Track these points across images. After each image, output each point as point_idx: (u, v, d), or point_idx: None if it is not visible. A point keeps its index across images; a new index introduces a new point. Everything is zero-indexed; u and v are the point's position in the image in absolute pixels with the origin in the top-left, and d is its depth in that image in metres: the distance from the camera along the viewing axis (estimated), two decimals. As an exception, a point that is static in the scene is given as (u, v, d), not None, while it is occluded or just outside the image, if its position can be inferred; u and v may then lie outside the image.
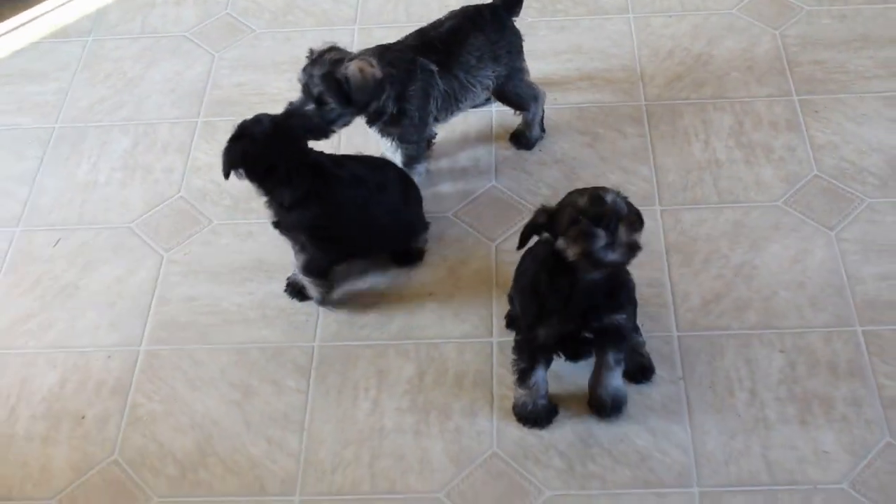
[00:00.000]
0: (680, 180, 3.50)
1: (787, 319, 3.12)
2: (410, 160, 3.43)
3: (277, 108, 3.72)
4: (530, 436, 2.91)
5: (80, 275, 3.39)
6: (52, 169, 3.71)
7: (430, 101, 3.32)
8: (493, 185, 3.54)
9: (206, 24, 4.21)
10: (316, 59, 3.17)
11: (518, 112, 3.61)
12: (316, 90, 3.13)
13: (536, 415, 2.93)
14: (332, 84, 3.11)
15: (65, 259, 3.44)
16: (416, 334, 3.16)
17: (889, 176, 3.46)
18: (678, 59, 3.89)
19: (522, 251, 2.78)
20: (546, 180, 3.53)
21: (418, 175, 3.45)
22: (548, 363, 2.89)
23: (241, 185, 3.51)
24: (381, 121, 3.28)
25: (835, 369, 2.99)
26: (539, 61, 3.80)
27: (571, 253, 2.53)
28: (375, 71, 3.14)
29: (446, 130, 3.67)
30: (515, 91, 3.52)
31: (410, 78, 3.26)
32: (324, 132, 3.19)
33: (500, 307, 3.17)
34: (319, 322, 3.21)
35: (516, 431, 2.92)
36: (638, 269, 3.01)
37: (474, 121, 3.72)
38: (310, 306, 3.24)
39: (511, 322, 3.12)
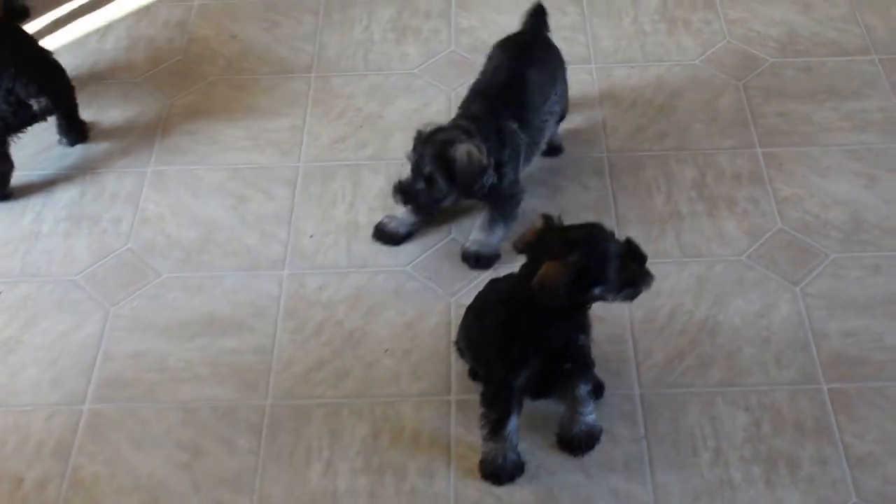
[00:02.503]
0: (642, 234, 3.50)
1: (751, 376, 3.12)
2: (500, 218, 3.45)
3: (232, 158, 3.74)
4: (489, 497, 2.88)
5: (22, 329, 3.34)
6: (-6, 219, 3.68)
7: (519, 159, 3.40)
8: (452, 237, 3.53)
9: (159, 69, 4.19)
10: (426, 138, 3.24)
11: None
12: (426, 169, 3.22)
13: (505, 470, 2.90)
14: (443, 164, 3.20)
15: (6, 312, 3.38)
16: (372, 392, 3.13)
17: (853, 230, 3.49)
18: (640, 110, 3.91)
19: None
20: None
21: (500, 235, 3.45)
22: (520, 410, 2.86)
23: (192, 237, 3.52)
24: (479, 193, 3.34)
25: (801, 428, 2.99)
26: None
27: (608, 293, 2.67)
28: (483, 158, 3.21)
29: (404, 181, 3.68)
30: (563, 102, 3.65)
31: (502, 145, 3.33)
32: (429, 211, 3.38)
33: (460, 363, 3.15)
34: (272, 379, 3.17)
35: (475, 493, 2.89)
36: (600, 325, 3.04)
37: (432, 172, 3.72)
38: (262, 364, 3.20)
39: (476, 374, 3.09)
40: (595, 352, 2.91)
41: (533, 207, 3.57)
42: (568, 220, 3.48)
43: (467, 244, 3.49)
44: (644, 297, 3.27)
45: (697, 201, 3.59)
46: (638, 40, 4.19)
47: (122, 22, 4.41)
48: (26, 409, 3.13)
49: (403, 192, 3.29)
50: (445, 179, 3.23)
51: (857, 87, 3.97)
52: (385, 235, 3.53)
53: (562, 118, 3.71)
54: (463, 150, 3.19)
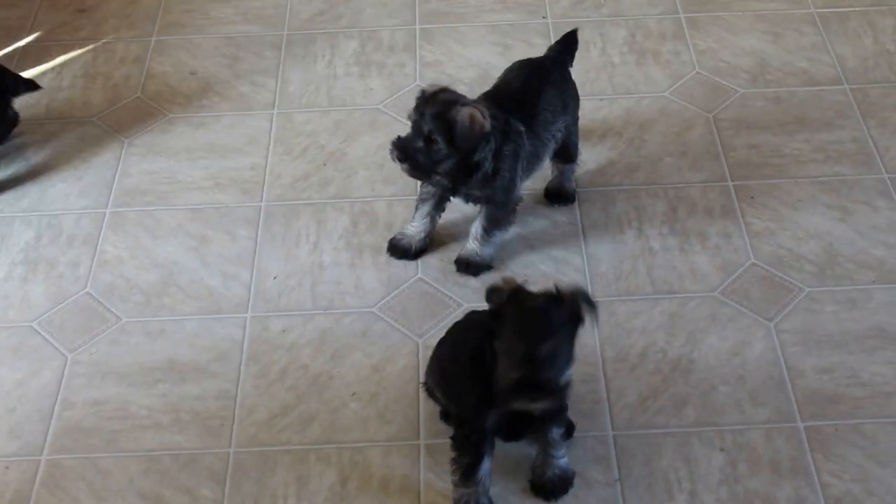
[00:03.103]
0: (612, 270, 3.53)
1: (726, 416, 3.14)
2: (494, 224, 3.48)
3: (192, 198, 3.74)
4: (460, 544, 2.89)
5: (-22, 378, 3.33)
6: (-52, 264, 3.66)
7: (518, 162, 3.40)
8: (420, 277, 3.54)
9: (116, 107, 4.20)
10: (429, 98, 3.25)
11: (558, 167, 3.72)
12: (426, 128, 3.21)
13: None
14: (444, 124, 3.19)
15: (-39, 361, 3.38)
16: (339, 438, 3.13)
17: (826, 263, 3.52)
18: (610, 144, 3.94)
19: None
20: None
21: (494, 245, 3.52)
22: (493, 452, 2.86)
23: (152, 280, 3.51)
24: (474, 179, 3.33)
25: (777, 467, 3.01)
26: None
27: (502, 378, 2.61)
28: (486, 122, 3.21)
29: (370, 220, 3.69)
30: (573, 140, 3.65)
31: (505, 137, 3.34)
32: (427, 173, 3.31)
33: (429, 406, 3.15)
34: (235, 426, 3.17)
35: (445, 540, 2.90)
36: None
37: (399, 210, 3.73)
38: (225, 410, 3.20)
39: (447, 416, 3.09)
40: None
41: (502, 245, 3.59)
42: (538, 257, 3.56)
43: (461, 251, 3.55)
44: (616, 334, 3.33)
45: (669, 236, 3.62)
46: (606, 72, 4.22)
47: (79, 59, 4.41)
48: (-18, 461, 3.12)
49: (402, 148, 3.27)
50: (445, 140, 3.22)
51: (829, 118, 4.01)
52: (399, 250, 3.59)
53: (574, 158, 3.70)
54: (466, 112, 3.19)
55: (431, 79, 4.19)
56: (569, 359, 2.63)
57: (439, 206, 3.56)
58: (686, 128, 3.99)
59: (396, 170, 3.78)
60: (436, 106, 3.23)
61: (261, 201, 3.80)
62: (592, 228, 3.66)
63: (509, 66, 3.64)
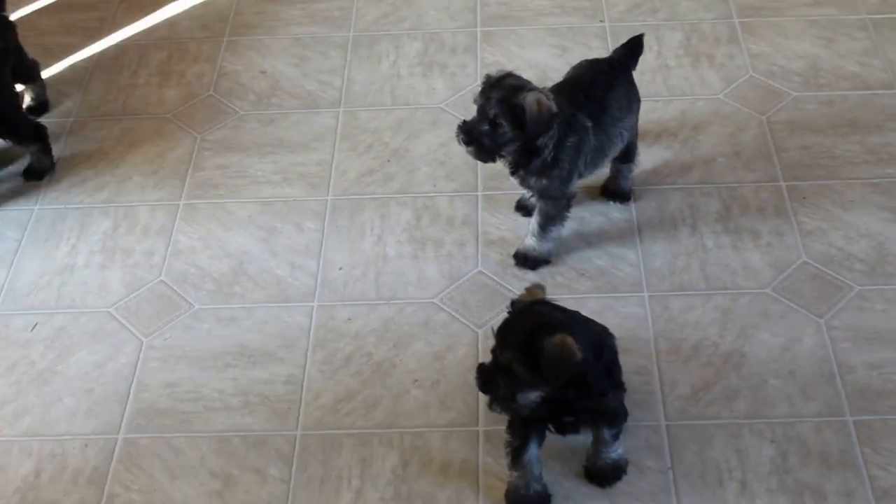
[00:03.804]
0: (667, 266, 3.53)
1: (777, 408, 3.13)
2: (548, 220, 3.49)
3: (262, 191, 3.79)
4: (517, 527, 2.91)
5: (58, 360, 3.38)
6: (30, 251, 3.72)
7: (580, 156, 3.39)
8: (480, 270, 3.56)
9: (189, 104, 4.25)
10: (495, 83, 3.25)
11: (616, 165, 3.71)
12: (492, 112, 3.21)
13: (528, 500, 2.91)
14: (509, 109, 3.18)
15: (41, 344, 3.43)
16: (401, 423, 3.16)
17: (877, 262, 3.50)
18: (665, 144, 3.93)
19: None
20: (532, 265, 3.57)
21: (551, 241, 3.53)
22: (540, 440, 2.88)
23: (223, 269, 3.56)
24: (533, 165, 3.33)
25: (826, 460, 3.00)
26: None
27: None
28: (552, 105, 3.21)
29: (432, 215, 3.71)
30: (634, 141, 3.65)
31: (570, 129, 3.33)
32: (491, 155, 3.29)
33: (487, 394, 3.17)
34: (302, 410, 3.20)
35: (503, 523, 2.92)
36: (626, 356, 3.04)
37: (460, 205, 3.75)
38: (292, 394, 3.24)
39: None
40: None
41: (559, 239, 3.59)
42: (594, 252, 3.56)
43: (520, 246, 3.57)
44: (670, 328, 3.34)
45: (722, 234, 3.61)
46: (662, 74, 4.22)
47: (154, 58, 4.46)
48: (62, 439, 3.17)
49: (468, 132, 3.26)
50: (511, 124, 3.20)
51: (880, 121, 3.98)
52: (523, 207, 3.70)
53: (632, 158, 3.70)
54: (532, 97, 3.18)
55: (492, 79, 4.21)
56: (526, 383, 2.63)
57: None
58: (739, 129, 3.98)
59: (458, 166, 3.86)
60: (502, 90, 3.22)
61: (327, 195, 3.84)
62: (647, 226, 3.66)
63: (577, 64, 3.63)
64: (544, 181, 3.39)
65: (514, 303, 2.76)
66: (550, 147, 3.30)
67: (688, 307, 3.41)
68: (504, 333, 2.68)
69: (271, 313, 3.47)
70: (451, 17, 4.56)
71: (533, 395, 2.66)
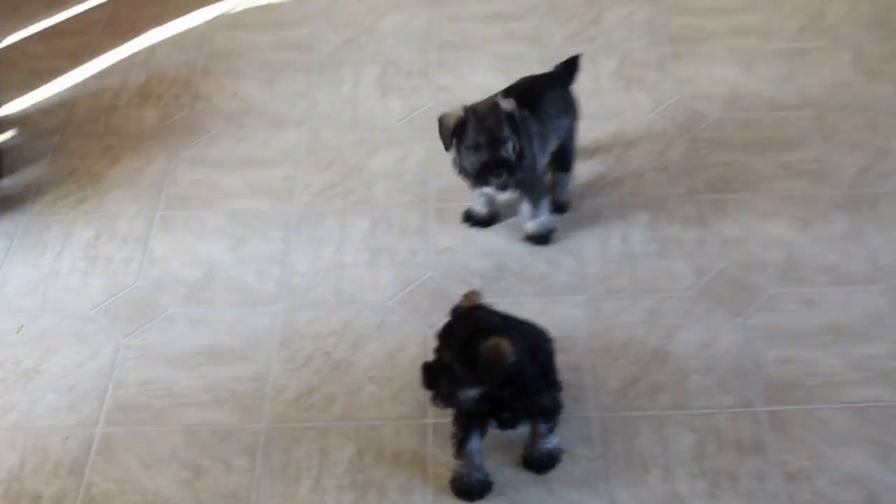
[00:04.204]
0: (600, 271, 3.55)
1: (697, 401, 3.16)
2: (537, 198, 3.57)
3: (232, 203, 3.77)
4: (462, 513, 2.92)
5: (42, 359, 3.36)
6: (18, 259, 3.70)
7: (533, 141, 3.45)
8: (430, 276, 3.57)
9: (167, 124, 4.23)
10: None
11: (555, 177, 3.75)
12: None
13: (471, 487, 2.92)
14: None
15: (27, 344, 3.41)
16: (357, 416, 3.16)
17: (789, 267, 3.53)
18: (600, 159, 3.95)
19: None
20: (478, 271, 3.57)
21: (545, 211, 3.60)
22: (482, 432, 2.89)
23: (195, 276, 3.55)
24: (510, 172, 3.37)
25: (741, 446, 3.03)
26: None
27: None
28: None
29: (387, 225, 3.72)
30: (571, 147, 3.69)
31: (521, 123, 3.38)
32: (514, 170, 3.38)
33: (435, 390, 3.18)
34: (267, 405, 3.20)
35: (449, 508, 2.93)
36: (562, 354, 3.06)
37: (412, 216, 3.76)
38: (258, 390, 3.24)
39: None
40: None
41: (503, 248, 3.61)
42: (534, 259, 3.58)
43: (527, 230, 3.64)
44: (602, 328, 3.36)
45: (651, 242, 3.63)
46: (597, 97, 4.22)
47: (135, 80, 4.45)
48: (45, 432, 3.16)
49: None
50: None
51: (793, 140, 4.02)
52: (471, 220, 3.72)
53: (569, 167, 3.73)
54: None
55: (444, 101, 4.21)
56: (465, 382, 2.66)
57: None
58: (667, 146, 4.01)
59: (411, 181, 3.88)
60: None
61: (291, 207, 3.83)
62: (583, 234, 3.68)
63: (519, 79, 3.68)
64: (519, 175, 3.42)
65: (455, 308, 2.77)
66: (515, 146, 3.34)
67: (619, 309, 3.43)
68: (445, 336, 2.70)
69: (239, 316, 3.47)
70: (408, 44, 4.57)
71: (471, 393, 2.68)
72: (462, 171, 3.43)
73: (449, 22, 4.66)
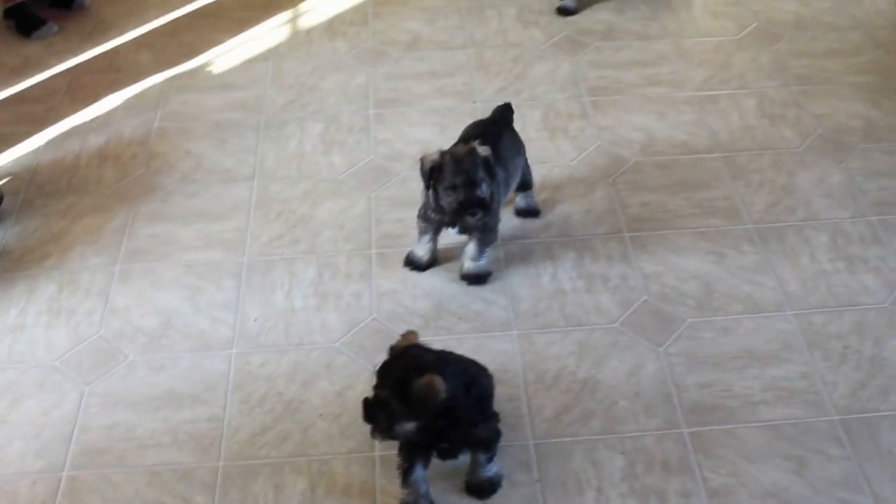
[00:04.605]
0: (532, 308, 3.53)
1: (626, 425, 3.14)
2: (486, 244, 3.57)
3: (187, 256, 3.71)
4: (410, 538, 2.87)
5: (8, 409, 3.27)
6: (-17, 314, 3.62)
7: (499, 188, 3.47)
8: (374, 317, 3.53)
9: (125, 182, 4.17)
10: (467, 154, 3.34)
11: (519, 195, 3.84)
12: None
13: None
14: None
15: (-5, 396, 3.33)
16: (309, 452, 3.11)
17: (705, 298, 3.54)
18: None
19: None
20: (419, 312, 3.54)
21: (485, 258, 3.60)
22: (425, 462, 2.85)
23: (154, 324, 3.49)
24: (486, 211, 3.37)
25: (667, 466, 3.02)
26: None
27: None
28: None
29: (333, 271, 3.68)
30: (528, 173, 3.77)
31: (494, 165, 3.40)
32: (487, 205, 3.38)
33: (382, 424, 3.13)
34: (223, 444, 3.14)
35: (397, 535, 2.88)
36: (498, 386, 3.05)
37: (356, 262, 3.72)
38: (215, 431, 3.17)
39: None
40: (495, 409, 2.94)
41: (441, 289, 3.59)
42: (469, 298, 3.55)
43: (463, 270, 3.62)
44: (535, 360, 3.34)
45: (578, 279, 3.63)
46: (525, 146, 4.22)
47: (94, 142, 4.38)
48: (14, 478, 3.07)
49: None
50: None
51: (706, 180, 4.04)
52: (412, 264, 3.69)
53: (530, 185, 3.82)
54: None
55: (384, 153, 4.21)
56: (402, 416, 2.64)
57: (437, 234, 3.61)
58: (590, 190, 4.02)
59: (354, 229, 3.84)
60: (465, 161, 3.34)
61: (243, 257, 3.78)
62: (515, 274, 3.67)
63: (467, 125, 3.72)
64: (486, 218, 3.43)
65: (392, 347, 2.74)
66: (487, 187, 3.36)
67: (550, 342, 3.41)
68: (383, 374, 2.67)
69: (196, 361, 3.40)
70: (348, 102, 4.55)
71: (408, 426, 2.65)
72: (438, 209, 3.43)
73: (385, 80, 4.65)
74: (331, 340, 3.45)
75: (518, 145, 3.70)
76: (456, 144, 3.51)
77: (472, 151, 3.33)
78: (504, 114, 3.75)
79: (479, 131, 3.61)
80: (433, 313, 3.53)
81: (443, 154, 3.34)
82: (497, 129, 3.64)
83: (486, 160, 3.34)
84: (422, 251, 3.65)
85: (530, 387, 3.27)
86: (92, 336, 3.51)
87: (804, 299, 3.53)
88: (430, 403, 2.57)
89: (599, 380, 3.29)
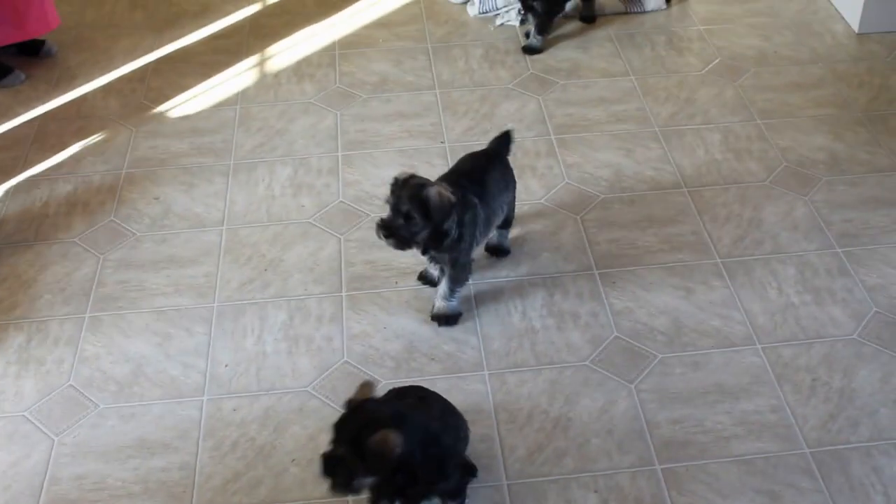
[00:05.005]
0: (503, 347, 3.55)
1: (598, 463, 3.15)
2: (456, 283, 3.57)
3: (157, 302, 3.70)
4: (384, 582, 2.86)
5: (-22, 462, 3.26)
6: (-48, 366, 3.59)
7: (476, 227, 3.48)
8: (346, 360, 3.53)
9: (93, 230, 4.17)
10: (402, 183, 3.31)
11: (497, 231, 3.83)
12: (404, 208, 3.26)
13: None
14: (418, 203, 3.25)
15: (-37, 448, 3.30)
16: (281, 498, 3.10)
17: (675, 334, 3.57)
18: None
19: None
20: (390, 353, 3.54)
21: (458, 298, 3.62)
22: None
23: (124, 372, 3.48)
24: (444, 244, 3.40)
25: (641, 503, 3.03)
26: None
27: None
28: (451, 196, 3.30)
29: (303, 315, 3.68)
30: (511, 212, 3.78)
31: (465, 207, 3.41)
32: (409, 244, 3.35)
33: (355, 468, 3.13)
34: (195, 492, 3.12)
35: (372, 580, 2.87)
36: (471, 426, 3.05)
37: (327, 305, 3.73)
38: (187, 479, 3.16)
39: None
40: (467, 450, 2.94)
41: (413, 331, 3.59)
42: (441, 340, 3.56)
43: (434, 309, 3.63)
44: (507, 400, 3.35)
45: (548, 317, 3.65)
46: (494, 185, 4.26)
47: (62, 190, 4.37)
48: (-18, 533, 3.05)
49: (386, 227, 3.31)
50: (421, 215, 3.27)
51: (673, 216, 4.08)
52: (426, 280, 3.77)
53: (509, 225, 3.84)
54: (434, 190, 3.28)
55: (352, 196, 4.23)
56: (359, 472, 2.62)
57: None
58: (559, 228, 4.04)
59: (325, 272, 3.84)
60: (410, 189, 3.29)
61: (213, 302, 3.78)
62: (485, 314, 3.68)
63: (461, 157, 3.76)
64: (454, 254, 3.47)
65: (349, 401, 2.73)
66: (455, 227, 3.38)
67: (522, 381, 3.43)
68: (339, 429, 2.65)
69: (167, 408, 3.39)
70: (317, 145, 4.57)
71: (367, 481, 2.64)
72: None
73: (353, 122, 4.68)
74: (302, 384, 3.45)
75: (508, 181, 3.71)
76: (440, 179, 3.53)
77: (418, 188, 3.30)
78: (501, 144, 3.75)
79: (468, 166, 3.65)
80: (405, 355, 3.53)
81: (396, 179, 3.37)
82: (488, 163, 3.66)
83: (423, 202, 3.27)
84: (432, 269, 3.76)
85: (503, 426, 3.28)
86: (62, 385, 3.49)
87: (773, 332, 3.56)
88: (384, 459, 2.56)
89: (571, 418, 3.30)
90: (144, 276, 3.91)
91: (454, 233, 3.39)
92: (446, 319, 3.63)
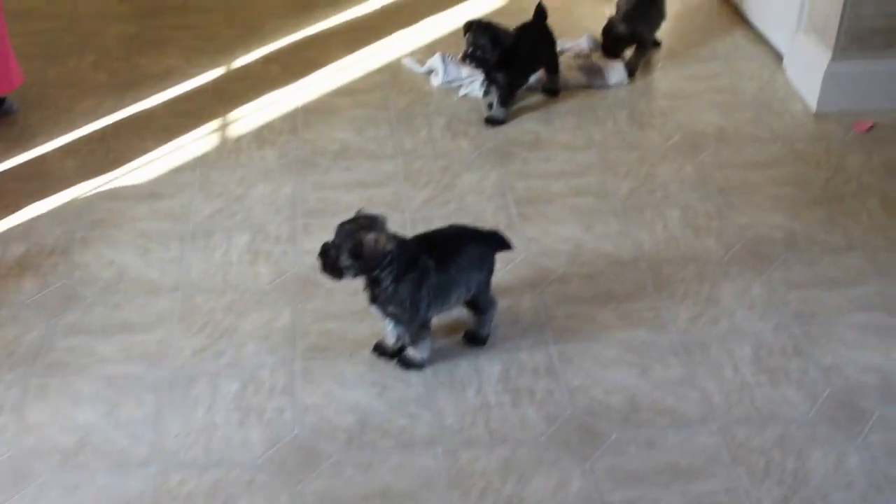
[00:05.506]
0: (457, 423, 3.52)
1: (551, 544, 3.13)
2: (410, 341, 3.65)
3: (107, 369, 3.65)
4: None
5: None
6: None
7: (421, 290, 3.49)
8: (297, 433, 3.49)
9: (44, 293, 4.12)
10: (353, 218, 3.47)
11: (474, 316, 3.82)
12: (338, 241, 3.40)
13: None
14: (352, 243, 3.37)
15: None
16: (226, 575, 3.04)
17: (630, 412, 3.56)
18: (455, 315, 3.95)
19: None
20: (342, 426, 3.51)
21: (426, 350, 3.69)
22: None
23: (70, 441, 3.41)
24: (379, 295, 3.48)
25: (593, 587, 3.00)
26: None
27: None
28: (387, 245, 3.39)
29: (256, 385, 3.64)
30: (483, 297, 3.75)
31: (410, 267, 3.45)
32: (333, 272, 3.45)
33: (303, 545, 3.08)
34: (137, 568, 3.06)
35: None
36: (422, 506, 3.01)
37: (280, 376, 3.69)
38: (128, 554, 3.10)
39: None
40: None
41: (365, 405, 3.56)
42: (395, 415, 3.52)
43: (403, 354, 3.72)
44: (460, 477, 3.31)
45: (503, 393, 3.63)
46: (453, 256, 4.26)
47: (14, 251, 4.32)
48: None
49: (323, 251, 3.43)
50: (350, 253, 3.36)
51: (631, 291, 4.09)
52: (380, 351, 3.77)
53: (485, 311, 3.80)
54: (371, 236, 3.37)
55: (309, 265, 4.18)
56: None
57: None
58: (517, 301, 4.03)
59: (279, 342, 3.81)
60: (352, 225, 3.41)
61: (165, 371, 3.73)
62: (440, 388, 3.65)
63: (449, 224, 3.87)
64: (391, 308, 3.51)
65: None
66: (389, 280, 3.42)
67: (475, 458, 3.40)
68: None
69: (112, 480, 3.32)
70: (276, 211, 4.56)
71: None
72: None
73: (313, 190, 4.67)
74: (252, 457, 3.40)
75: (483, 264, 3.71)
76: (416, 235, 3.68)
77: (357, 226, 3.40)
78: (496, 241, 3.79)
79: (446, 233, 3.74)
80: (357, 428, 3.50)
81: (357, 213, 3.50)
82: (473, 240, 3.70)
83: (357, 245, 3.37)
84: (389, 338, 3.79)
85: (455, 505, 3.25)
86: (2, 455, 3.42)
87: (728, 412, 3.56)
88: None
89: (524, 497, 3.27)
90: (95, 342, 3.86)
91: (387, 285, 3.43)
92: (408, 363, 3.73)
